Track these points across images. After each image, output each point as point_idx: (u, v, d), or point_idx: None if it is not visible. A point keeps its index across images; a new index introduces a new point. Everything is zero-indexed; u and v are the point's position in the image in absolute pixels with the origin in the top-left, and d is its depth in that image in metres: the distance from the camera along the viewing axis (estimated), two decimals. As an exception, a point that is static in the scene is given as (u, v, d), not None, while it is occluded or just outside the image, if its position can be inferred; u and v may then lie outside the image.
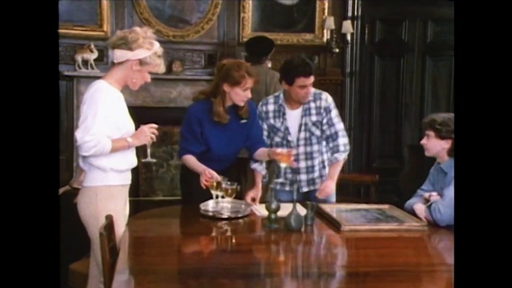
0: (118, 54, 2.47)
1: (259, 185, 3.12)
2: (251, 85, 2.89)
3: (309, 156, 3.18)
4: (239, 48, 5.36)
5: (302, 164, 3.18)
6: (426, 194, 2.75)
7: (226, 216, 2.67)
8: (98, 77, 2.55)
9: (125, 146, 2.46)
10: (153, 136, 2.54)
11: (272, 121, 3.16)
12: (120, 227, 2.44)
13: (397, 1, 5.84)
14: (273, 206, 2.55)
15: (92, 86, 2.45)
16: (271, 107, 3.17)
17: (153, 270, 1.94)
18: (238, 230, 2.64)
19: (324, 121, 3.13)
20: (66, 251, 1.77)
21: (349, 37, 5.61)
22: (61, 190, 3.48)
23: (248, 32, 5.45)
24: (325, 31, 5.59)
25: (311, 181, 3.22)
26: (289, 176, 3.22)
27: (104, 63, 5.10)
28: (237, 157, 3.17)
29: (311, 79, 3.02)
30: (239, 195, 2.95)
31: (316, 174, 3.21)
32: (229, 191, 2.73)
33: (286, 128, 3.15)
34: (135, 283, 1.89)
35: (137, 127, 2.53)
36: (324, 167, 3.23)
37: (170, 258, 2.16)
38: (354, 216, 2.74)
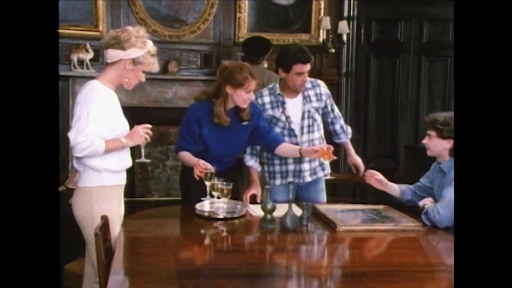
0: (111, 54, 2.46)
1: (257, 182, 3.11)
2: (254, 87, 2.89)
3: (311, 143, 3.19)
4: (235, 48, 5.35)
5: None
6: (421, 203, 2.73)
7: (222, 217, 2.67)
8: (94, 77, 2.53)
9: (119, 147, 2.45)
10: (147, 136, 2.53)
11: (270, 112, 3.15)
12: (116, 228, 2.43)
13: (393, 1, 5.84)
14: (269, 206, 2.54)
15: (85, 86, 2.44)
16: (267, 99, 3.17)
17: (148, 271, 1.94)
18: (234, 231, 2.63)
19: (329, 107, 3.28)
20: (61, 251, 1.77)
21: (345, 38, 5.60)
22: (56, 191, 3.47)
23: (244, 32, 5.44)
24: (321, 31, 5.58)
25: (313, 170, 3.23)
26: (291, 167, 3.21)
27: (99, 63, 5.08)
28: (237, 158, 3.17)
29: (308, 66, 3.05)
30: (236, 195, 2.95)
31: (317, 162, 3.23)
32: (225, 191, 2.72)
33: (287, 117, 3.15)
34: (130, 284, 1.88)
35: (132, 127, 2.52)
36: None
37: (165, 258, 2.15)
38: (349, 217, 2.74)
